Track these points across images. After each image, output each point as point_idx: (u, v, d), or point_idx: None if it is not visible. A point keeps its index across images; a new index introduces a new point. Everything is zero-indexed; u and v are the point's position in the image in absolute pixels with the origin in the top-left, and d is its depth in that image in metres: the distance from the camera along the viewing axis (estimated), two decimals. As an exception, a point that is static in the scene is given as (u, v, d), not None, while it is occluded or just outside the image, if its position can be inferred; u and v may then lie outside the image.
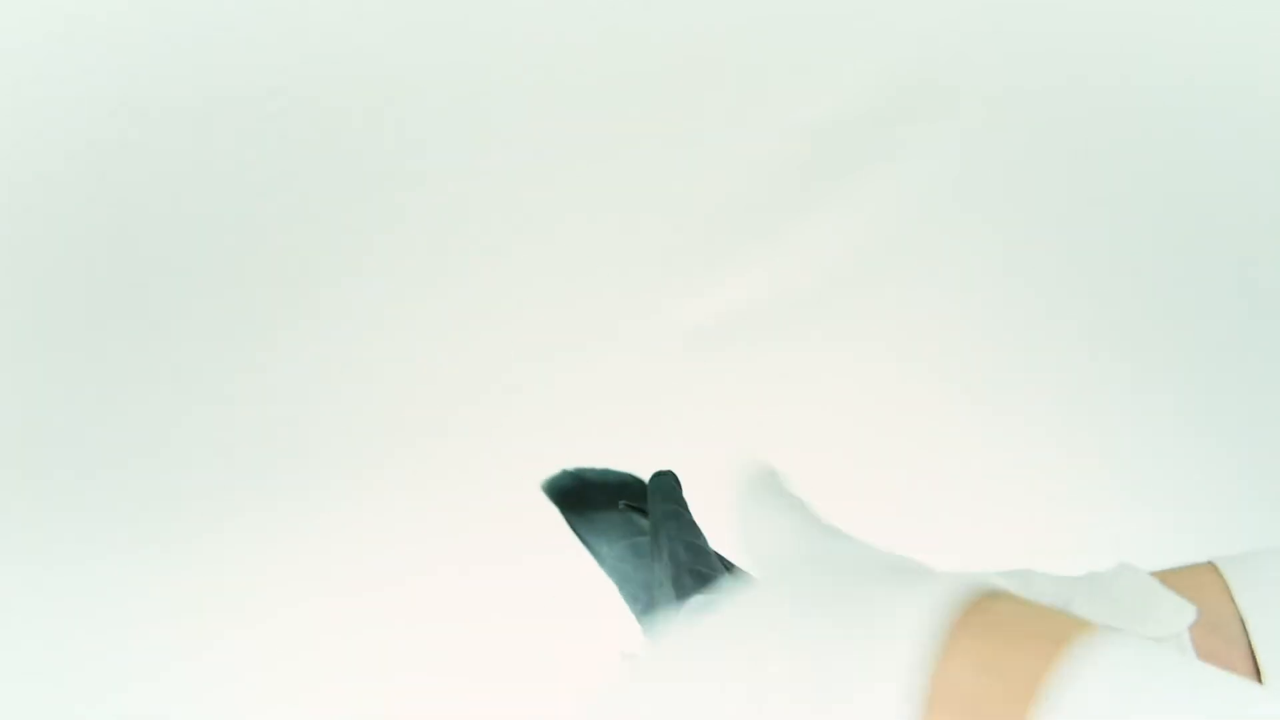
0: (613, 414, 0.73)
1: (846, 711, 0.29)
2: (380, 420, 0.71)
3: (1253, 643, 0.41)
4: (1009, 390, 0.75)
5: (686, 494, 0.46)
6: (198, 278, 0.76)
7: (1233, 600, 0.42)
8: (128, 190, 0.77)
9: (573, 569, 0.49)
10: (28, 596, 0.69)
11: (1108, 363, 0.73)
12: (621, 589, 0.47)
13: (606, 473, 0.51)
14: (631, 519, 0.50)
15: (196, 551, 0.70)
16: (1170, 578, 0.43)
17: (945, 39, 0.80)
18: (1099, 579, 0.43)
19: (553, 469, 0.47)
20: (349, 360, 0.74)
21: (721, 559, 0.46)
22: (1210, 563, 0.44)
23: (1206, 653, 0.41)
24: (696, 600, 0.40)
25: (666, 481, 0.48)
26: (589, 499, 0.50)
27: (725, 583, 0.41)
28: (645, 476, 0.46)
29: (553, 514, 0.48)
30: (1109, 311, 0.75)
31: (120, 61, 0.78)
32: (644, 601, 0.46)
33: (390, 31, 0.81)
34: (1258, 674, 0.41)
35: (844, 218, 0.77)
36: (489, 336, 0.68)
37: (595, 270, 0.74)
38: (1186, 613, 0.41)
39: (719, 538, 0.46)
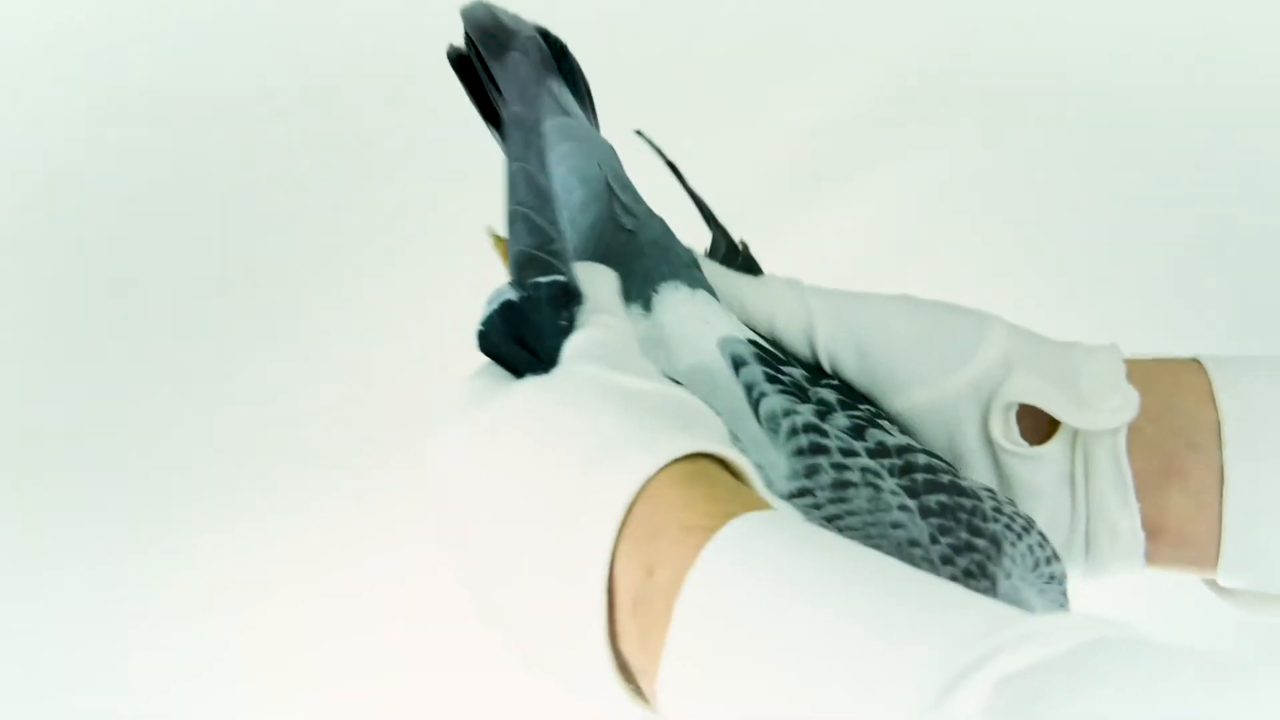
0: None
1: (562, 558, 0.29)
2: (383, 420, 0.71)
3: (1224, 455, 0.38)
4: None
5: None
6: (199, 278, 0.76)
7: (1214, 403, 0.39)
8: (127, 190, 0.77)
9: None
10: (27, 600, 0.69)
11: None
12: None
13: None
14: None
15: (200, 553, 0.70)
16: (1149, 367, 0.40)
17: (945, 39, 0.80)
18: (1076, 350, 0.41)
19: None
20: (352, 360, 0.74)
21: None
22: (1196, 359, 0.40)
23: (1159, 452, 0.39)
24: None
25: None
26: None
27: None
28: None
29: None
30: (1109, 312, 0.75)
31: (120, 61, 0.77)
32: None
33: (391, 31, 0.81)
34: (1221, 486, 0.38)
35: (844, 218, 0.77)
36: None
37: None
38: (1127, 410, 0.38)
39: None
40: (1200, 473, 0.39)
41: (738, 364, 0.38)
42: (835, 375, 0.40)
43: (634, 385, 0.31)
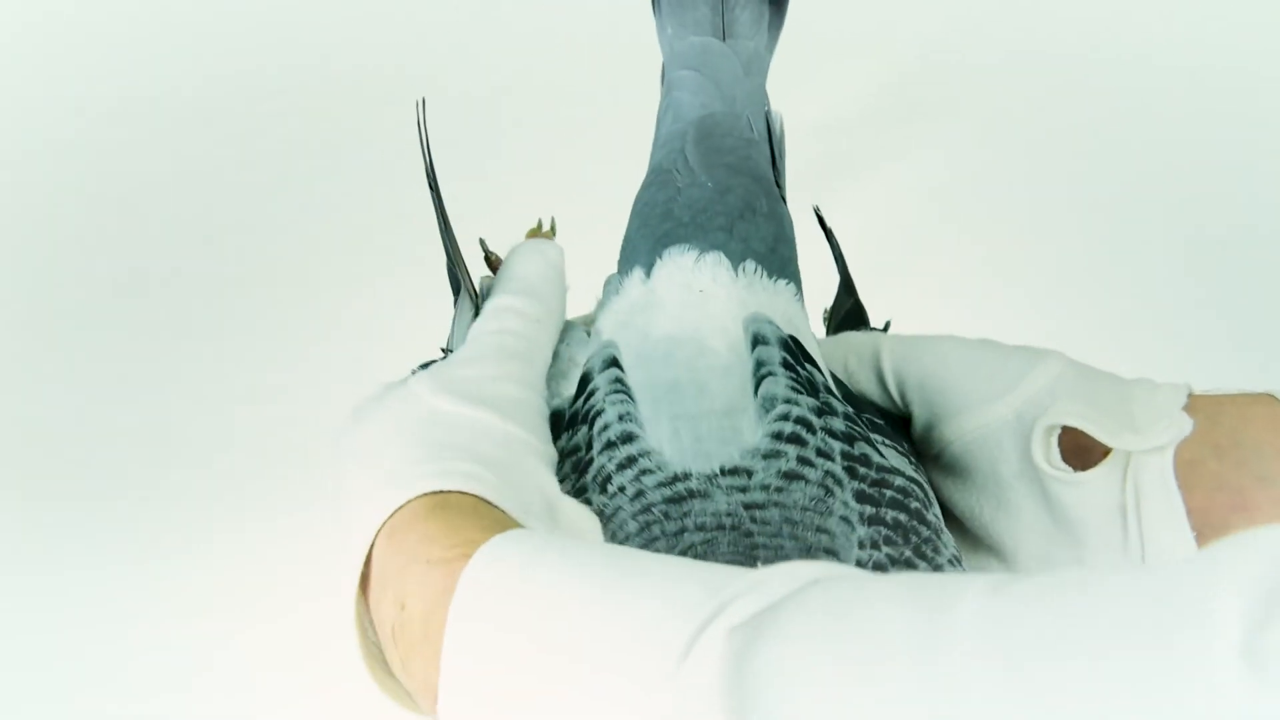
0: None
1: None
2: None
3: None
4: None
5: None
6: (200, 278, 0.76)
7: None
8: (127, 190, 0.77)
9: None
10: (31, 601, 0.69)
11: (1106, 365, 0.73)
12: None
13: None
14: None
15: (201, 554, 0.70)
16: (1217, 401, 0.38)
17: (945, 40, 0.80)
18: (1138, 384, 0.39)
19: None
20: (354, 359, 0.74)
21: None
22: (1269, 393, 0.38)
23: (1225, 487, 0.37)
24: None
25: None
26: None
27: None
28: None
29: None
30: (1109, 313, 0.75)
31: (120, 61, 0.78)
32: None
33: (391, 31, 0.81)
34: None
35: (844, 218, 0.77)
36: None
37: (595, 271, 0.74)
38: (1170, 432, 0.36)
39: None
40: (1270, 506, 0.37)
41: (757, 340, 0.37)
42: (892, 407, 0.40)
43: (443, 410, 0.34)
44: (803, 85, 0.78)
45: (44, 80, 0.77)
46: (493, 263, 0.40)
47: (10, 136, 0.76)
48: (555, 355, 0.39)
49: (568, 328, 0.40)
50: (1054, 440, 0.37)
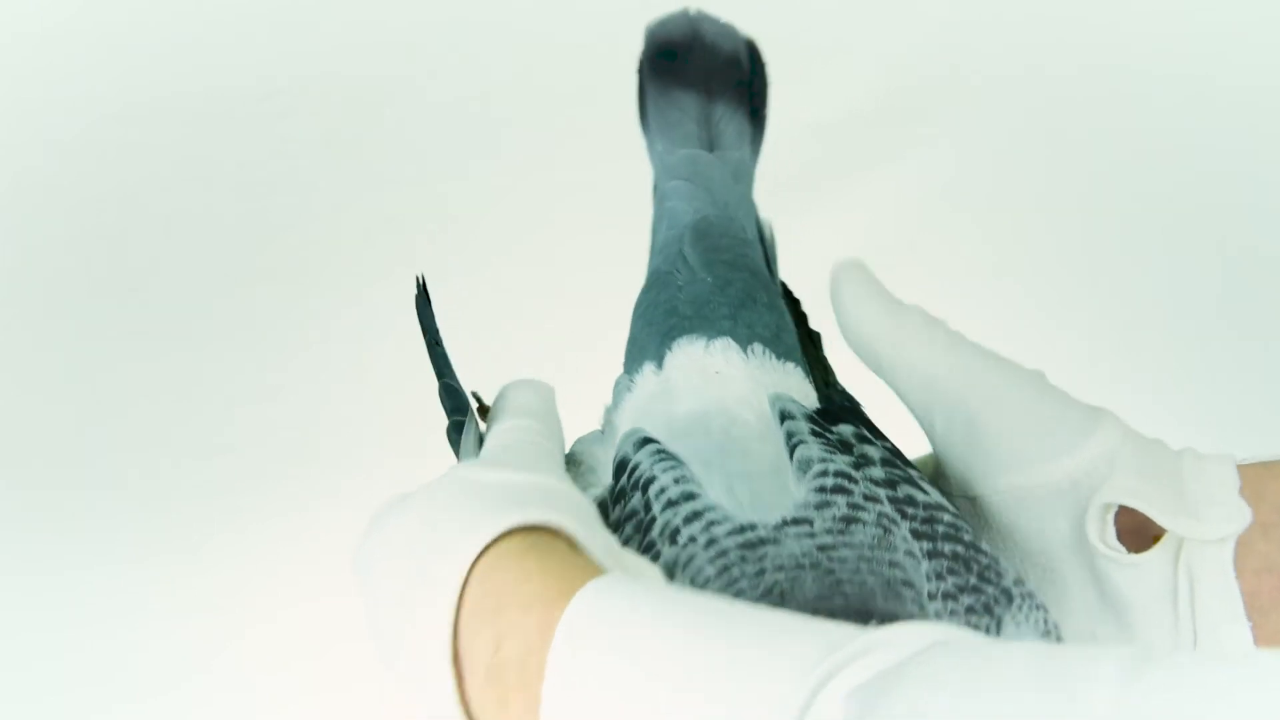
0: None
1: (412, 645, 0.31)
2: (386, 421, 0.71)
3: None
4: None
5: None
6: (201, 278, 0.76)
7: None
8: (127, 191, 0.77)
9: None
10: (31, 601, 0.69)
11: (1107, 365, 0.73)
12: None
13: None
14: None
15: (201, 554, 0.70)
16: (1258, 472, 0.37)
17: (945, 40, 0.80)
18: (1185, 455, 0.37)
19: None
20: (355, 359, 0.74)
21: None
22: None
23: (1274, 569, 0.35)
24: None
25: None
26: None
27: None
28: None
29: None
30: (1109, 313, 0.75)
31: (120, 61, 0.78)
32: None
33: (391, 31, 0.81)
34: None
35: (844, 218, 0.77)
36: (491, 338, 0.68)
37: (595, 271, 0.74)
38: (1236, 520, 0.35)
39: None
40: None
41: (784, 416, 0.38)
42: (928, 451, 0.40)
43: (495, 478, 0.33)
44: (803, 85, 0.78)
45: (41, 81, 0.77)
46: (485, 411, 0.41)
47: (9, 136, 0.76)
48: (573, 458, 0.40)
49: (577, 440, 0.41)
50: (1110, 519, 0.36)
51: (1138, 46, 0.78)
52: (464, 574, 0.30)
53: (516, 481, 0.33)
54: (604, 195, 0.76)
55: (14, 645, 0.68)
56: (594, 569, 0.30)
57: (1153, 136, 0.77)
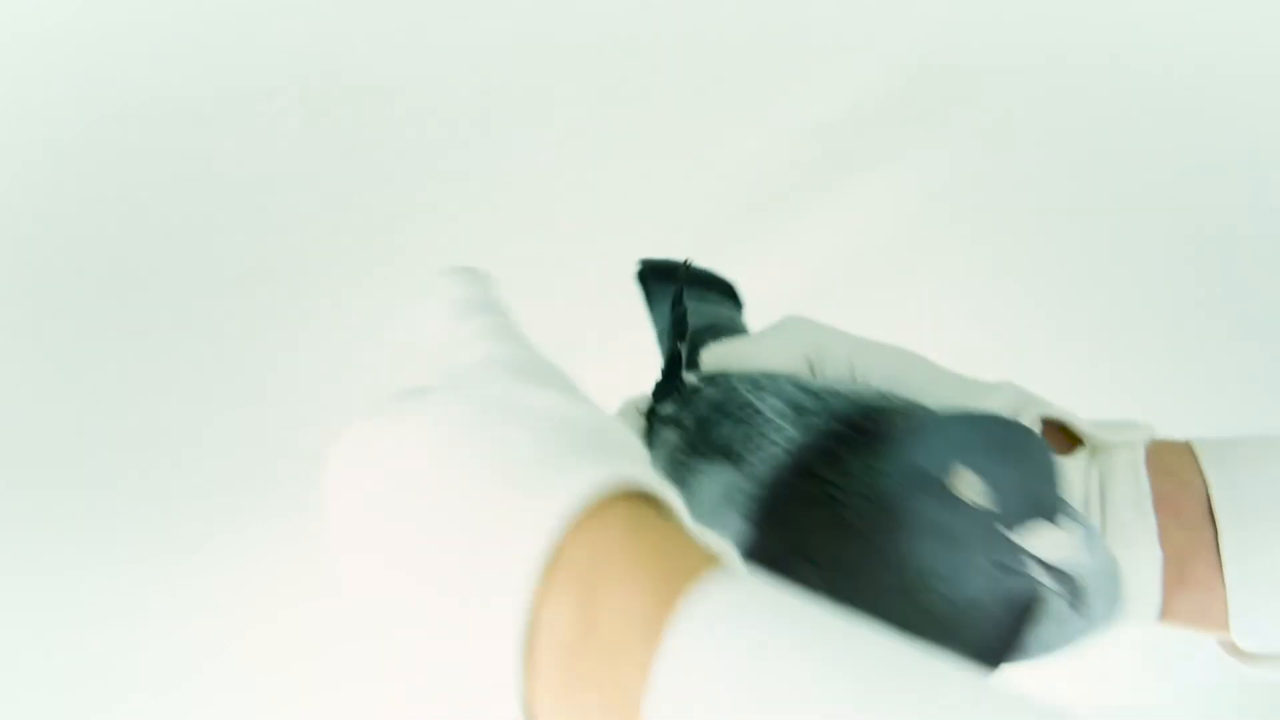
0: (610, 411, 0.72)
1: (467, 623, 0.26)
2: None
3: (1217, 517, 0.39)
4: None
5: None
6: (200, 278, 0.76)
7: (1204, 481, 0.40)
8: (126, 191, 0.77)
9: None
10: (31, 601, 0.69)
11: (1106, 365, 0.73)
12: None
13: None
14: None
15: (200, 554, 0.70)
16: (1155, 446, 0.41)
17: (944, 40, 0.80)
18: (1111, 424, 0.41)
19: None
20: (355, 360, 0.74)
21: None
22: (1187, 442, 0.42)
23: (1152, 485, 0.40)
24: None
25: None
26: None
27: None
28: None
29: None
30: (1108, 313, 0.75)
31: (120, 61, 0.78)
32: None
33: (391, 31, 0.81)
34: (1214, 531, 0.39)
35: (843, 217, 0.77)
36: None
37: (594, 271, 0.74)
38: (1147, 431, 0.40)
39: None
40: (1191, 507, 0.39)
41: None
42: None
43: (556, 409, 0.29)
44: (803, 85, 0.78)
45: (41, 81, 0.77)
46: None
47: (9, 136, 0.76)
48: None
49: None
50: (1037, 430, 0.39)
51: (1137, 47, 0.78)
52: (555, 537, 0.26)
53: (580, 418, 0.29)
54: (604, 195, 0.76)
55: (13, 645, 0.68)
56: (703, 554, 0.26)
57: (1152, 136, 0.77)
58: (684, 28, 0.76)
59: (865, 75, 0.80)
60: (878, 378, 0.41)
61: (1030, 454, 0.34)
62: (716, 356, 0.44)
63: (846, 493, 0.35)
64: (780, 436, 0.37)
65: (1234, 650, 0.41)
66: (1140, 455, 0.40)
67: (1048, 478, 0.34)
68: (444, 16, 0.81)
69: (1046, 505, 0.33)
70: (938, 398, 0.40)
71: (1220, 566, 0.39)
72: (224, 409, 0.73)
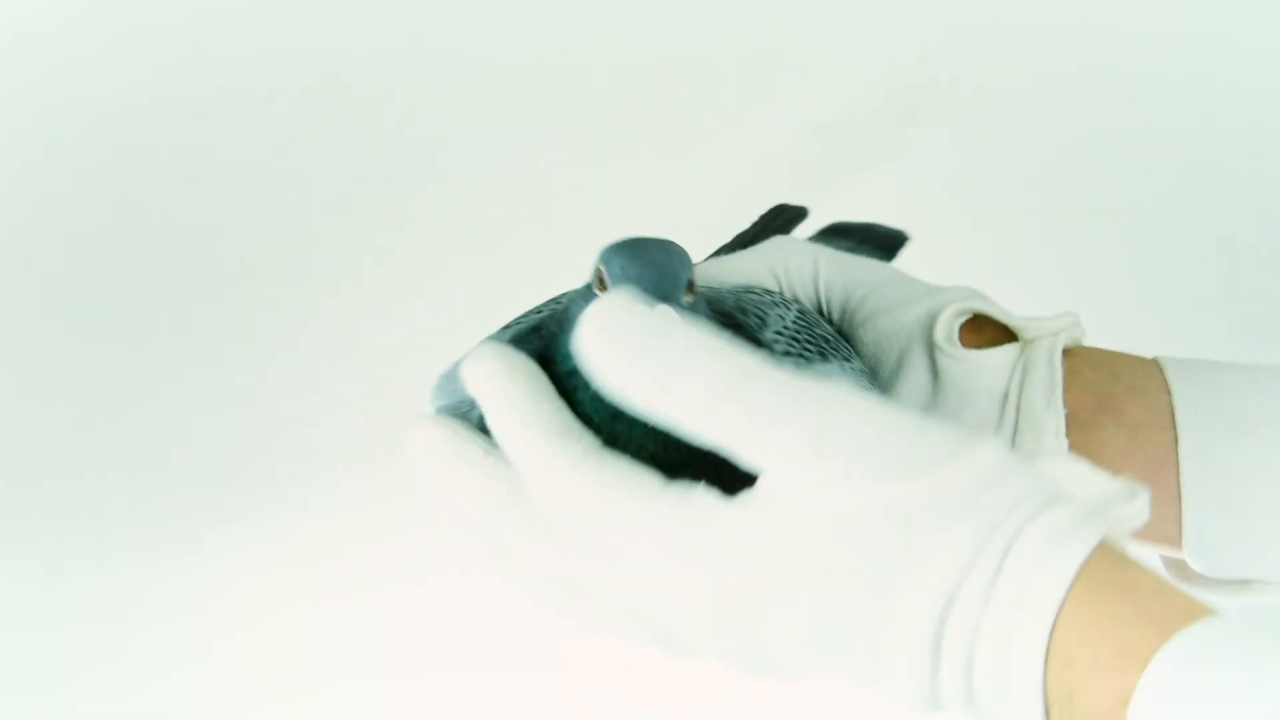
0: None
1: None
2: (386, 421, 0.71)
3: (1178, 427, 0.39)
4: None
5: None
6: (198, 279, 0.76)
7: (1169, 394, 0.40)
8: (126, 191, 0.77)
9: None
10: (27, 598, 0.69)
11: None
12: None
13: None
14: None
15: (198, 554, 0.70)
16: (1113, 356, 0.42)
17: (945, 40, 0.80)
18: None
19: None
20: (353, 360, 0.74)
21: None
22: (1155, 359, 0.42)
23: (1096, 392, 0.40)
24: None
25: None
26: None
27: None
28: None
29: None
30: (1110, 312, 0.75)
31: (120, 61, 0.77)
32: None
33: (392, 31, 0.81)
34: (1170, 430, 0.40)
35: (844, 218, 0.77)
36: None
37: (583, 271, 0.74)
38: (1072, 327, 0.41)
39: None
40: (1136, 410, 0.39)
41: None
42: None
43: (980, 448, 0.30)
44: (803, 85, 0.78)
45: (41, 81, 0.77)
46: None
47: (9, 136, 0.76)
48: None
49: None
50: (957, 325, 0.42)
51: (1138, 47, 0.78)
52: (1064, 591, 0.25)
53: (996, 457, 0.29)
54: (604, 195, 0.76)
55: (13, 644, 0.68)
56: (1185, 603, 0.26)
57: (1153, 136, 0.77)
58: (684, 28, 0.76)
59: (865, 75, 0.80)
60: (839, 284, 0.44)
61: (650, 254, 0.39)
62: (701, 271, 0.46)
63: None
64: None
65: (1180, 570, 0.40)
66: (1059, 344, 0.40)
67: (669, 271, 0.38)
68: (444, 16, 0.81)
69: (665, 290, 0.37)
70: (894, 296, 0.43)
71: (1178, 479, 0.38)
72: (223, 409, 0.73)
